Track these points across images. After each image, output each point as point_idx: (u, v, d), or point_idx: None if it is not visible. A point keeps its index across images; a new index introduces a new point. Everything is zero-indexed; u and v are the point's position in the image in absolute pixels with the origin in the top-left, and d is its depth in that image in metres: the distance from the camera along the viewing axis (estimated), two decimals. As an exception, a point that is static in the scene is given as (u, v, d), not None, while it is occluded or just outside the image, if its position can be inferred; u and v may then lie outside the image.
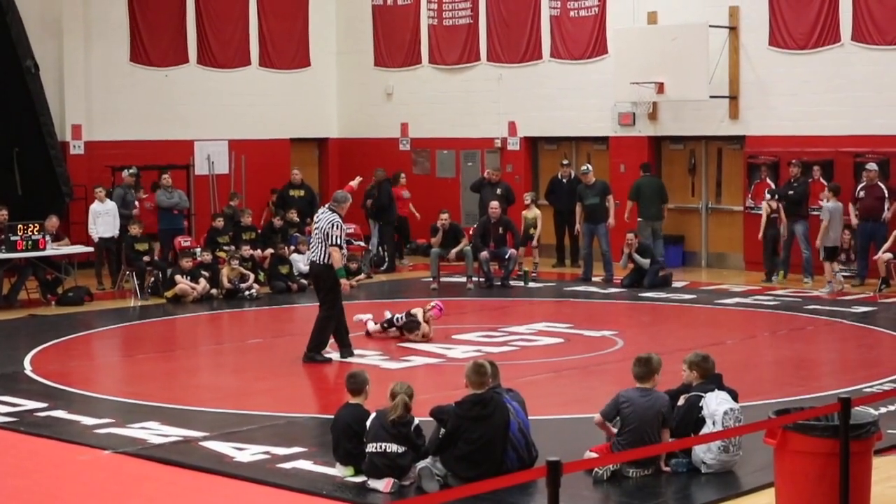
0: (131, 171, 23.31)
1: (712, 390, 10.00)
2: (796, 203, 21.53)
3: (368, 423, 9.79)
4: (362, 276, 22.30)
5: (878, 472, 8.88)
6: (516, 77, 26.17)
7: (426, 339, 16.19)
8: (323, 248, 14.86)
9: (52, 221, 20.79)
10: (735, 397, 10.30)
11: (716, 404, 9.87)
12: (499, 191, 23.46)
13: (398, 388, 9.78)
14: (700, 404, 9.92)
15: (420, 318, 16.31)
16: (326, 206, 15.46)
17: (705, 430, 9.76)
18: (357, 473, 9.77)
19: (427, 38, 27.50)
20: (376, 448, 9.58)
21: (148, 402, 12.77)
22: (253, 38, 27.64)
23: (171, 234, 22.95)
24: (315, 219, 15.82)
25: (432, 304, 16.65)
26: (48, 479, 10.28)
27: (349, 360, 14.93)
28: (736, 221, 23.73)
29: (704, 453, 9.82)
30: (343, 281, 14.96)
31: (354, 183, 16.58)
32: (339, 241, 14.75)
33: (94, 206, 21.98)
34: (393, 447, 9.56)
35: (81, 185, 24.05)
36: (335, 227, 14.78)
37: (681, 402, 10.05)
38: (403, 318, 16.39)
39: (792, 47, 22.53)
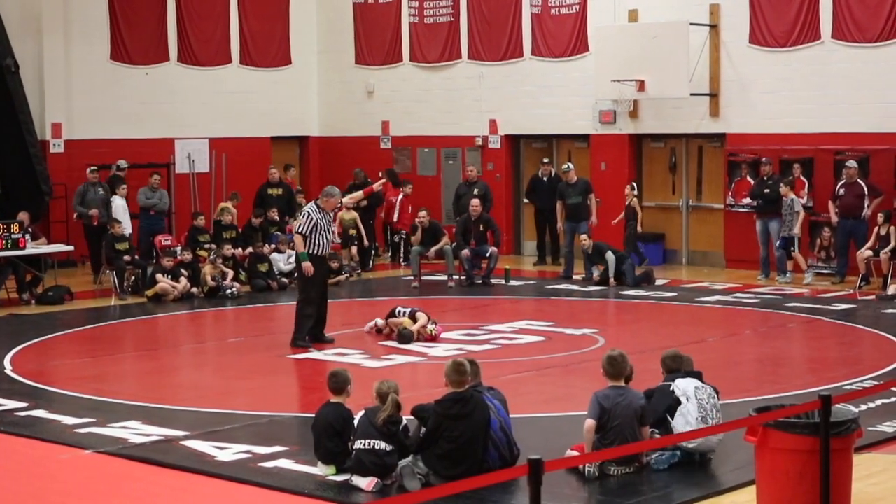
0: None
1: (682, 376, 10.21)
2: (771, 201, 21.61)
3: (357, 420, 9.77)
4: (343, 276, 22.23)
5: (858, 470, 8.90)
6: (497, 75, 26.17)
7: (427, 337, 16.12)
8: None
9: (23, 216, 20.84)
10: (716, 395, 10.37)
11: (685, 384, 10.12)
12: (476, 190, 23.48)
13: (385, 387, 9.76)
14: (671, 388, 10.11)
15: (415, 327, 16.15)
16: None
17: (681, 408, 9.96)
18: (339, 472, 9.76)
19: (408, 35, 27.49)
20: (365, 445, 9.56)
21: (129, 402, 12.73)
22: (234, 36, 27.59)
23: (149, 233, 22.91)
24: None
25: (436, 326, 16.35)
26: (29, 479, 10.24)
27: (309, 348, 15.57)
28: (716, 219, 23.78)
29: (683, 426, 9.92)
30: (304, 263, 15.60)
31: (377, 185, 18.73)
32: (300, 229, 15.64)
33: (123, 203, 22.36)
34: (381, 445, 9.54)
35: (61, 183, 23.99)
36: (302, 216, 15.85)
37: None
38: (406, 313, 16.32)
39: (772, 45, 22.58)
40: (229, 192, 25.45)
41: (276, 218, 23.53)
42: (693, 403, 9.96)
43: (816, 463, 8.03)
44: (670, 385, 10.15)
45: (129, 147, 25.34)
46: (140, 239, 22.89)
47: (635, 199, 22.87)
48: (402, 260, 24.56)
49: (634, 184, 23.23)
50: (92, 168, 22.88)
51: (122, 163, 24.07)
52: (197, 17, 26.95)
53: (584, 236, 21.73)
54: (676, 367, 10.38)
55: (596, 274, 21.43)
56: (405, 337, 15.94)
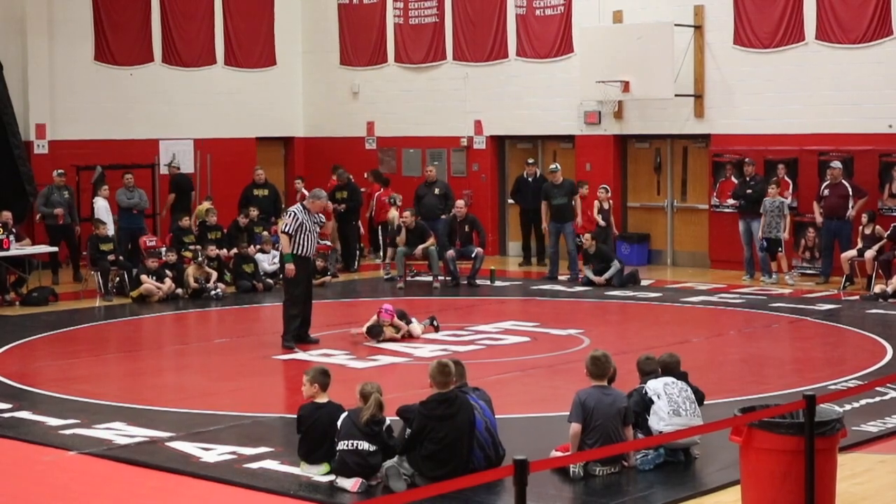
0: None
1: (656, 377, 10.34)
2: (754, 202, 21.64)
3: (340, 421, 9.76)
4: (328, 276, 22.22)
5: (842, 470, 8.92)
6: (482, 76, 26.18)
7: (405, 337, 16.16)
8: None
9: (6, 215, 20.81)
10: (702, 397, 10.39)
11: (655, 383, 10.24)
12: (437, 190, 23.48)
13: (368, 388, 9.76)
14: (644, 390, 10.21)
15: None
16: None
17: (653, 406, 10.07)
18: (329, 472, 9.74)
19: (393, 36, 27.48)
20: (348, 446, 9.56)
21: (113, 403, 12.71)
22: (218, 36, 27.56)
23: (130, 233, 22.84)
24: None
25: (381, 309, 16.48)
26: (12, 481, 10.20)
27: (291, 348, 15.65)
28: (701, 220, 23.82)
29: (657, 423, 10.01)
30: (287, 265, 15.69)
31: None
32: (286, 228, 15.67)
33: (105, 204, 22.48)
34: (365, 445, 9.53)
35: (45, 184, 23.89)
36: (288, 215, 15.85)
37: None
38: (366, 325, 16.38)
39: (756, 46, 22.63)
40: (215, 193, 25.42)
41: (259, 216, 23.44)
42: (664, 399, 10.06)
43: (801, 463, 8.04)
44: (643, 388, 10.25)
45: (113, 148, 25.30)
46: (121, 239, 22.81)
47: (610, 202, 22.87)
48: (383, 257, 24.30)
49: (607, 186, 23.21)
50: (59, 171, 22.87)
51: (176, 162, 24.84)
52: (181, 17, 26.91)
53: (588, 236, 21.66)
54: (651, 369, 10.50)
55: (590, 274, 21.30)
56: (374, 332, 16.02)
